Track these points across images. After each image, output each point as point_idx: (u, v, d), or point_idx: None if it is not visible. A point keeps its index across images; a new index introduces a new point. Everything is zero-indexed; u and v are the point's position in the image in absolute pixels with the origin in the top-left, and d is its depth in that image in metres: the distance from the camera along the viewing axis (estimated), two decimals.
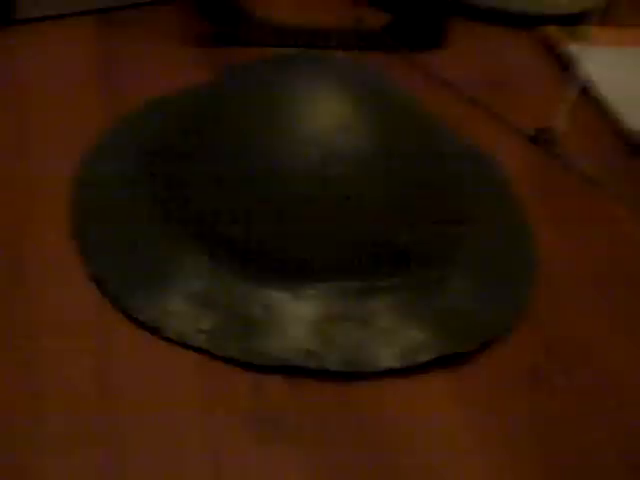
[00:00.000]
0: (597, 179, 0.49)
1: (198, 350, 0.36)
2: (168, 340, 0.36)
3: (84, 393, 0.34)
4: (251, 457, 0.33)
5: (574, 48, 0.60)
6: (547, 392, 0.37)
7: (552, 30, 0.62)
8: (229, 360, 0.36)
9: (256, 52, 0.56)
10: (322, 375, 0.36)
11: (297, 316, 0.38)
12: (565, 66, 0.60)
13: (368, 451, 0.34)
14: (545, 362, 0.38)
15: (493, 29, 0.63)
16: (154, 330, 0.37)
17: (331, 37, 0.58)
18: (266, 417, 0.34)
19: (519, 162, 0.50)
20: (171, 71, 0.53)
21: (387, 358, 0.37)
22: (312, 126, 0.39)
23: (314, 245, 0.38)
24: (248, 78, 0.43)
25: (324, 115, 0.40)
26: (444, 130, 0.51)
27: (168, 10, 0.59)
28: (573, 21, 0.64)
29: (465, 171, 0.47)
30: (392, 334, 0.38)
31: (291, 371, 0.36)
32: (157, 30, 0.57)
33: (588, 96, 0.57)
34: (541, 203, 0.47)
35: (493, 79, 0.57)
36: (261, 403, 0.35)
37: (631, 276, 0.44)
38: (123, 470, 0.31)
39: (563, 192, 0.49)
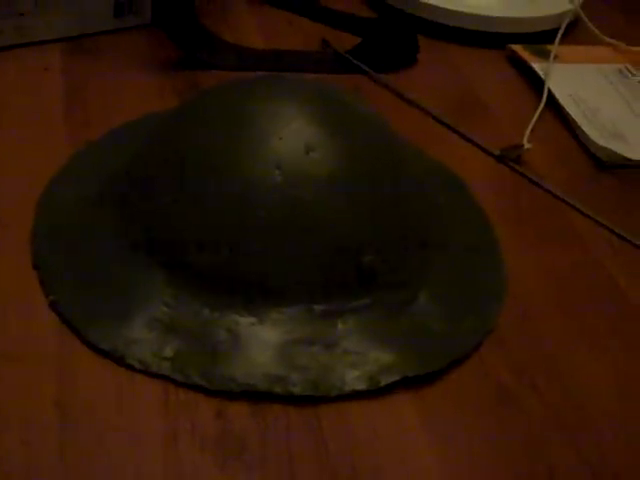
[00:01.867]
0: (563, 196, 0.50)
1: (162, 377, 0.36)
2: (131, 368, 0.36)
3: (45, 424, 0.33)
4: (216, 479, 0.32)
5: (540, 66, 0.60)
6: (515, 411, 0.37)
7: (518, 48, 0.62)
8: (193, 387, 0.36)
9: (223, 76, 0.56)
10: (287, 400, 0.36)
11: (262, 341, 0.37)
12: (531, 84, 0.60)
13: (333, 476, 0.33)
14: (513, 381, 0.38)
15: (460, 48, 0.63)
16: (117, 359, 0.36)
17: (298, 60, 0.58)
18: (230, 444, 0.34)
19: (487, 181, 0.50)
20: (138, 97, 0.53)
21: (353, 381, 0.37)
22: (276, 148, 0.39)
23: (279, 268, 0.38)
24: (211, 102, 0.43)
25: (288, 137, 0.40)
26: (412, 150, 0.52)
27: (136, 36, 0.59)
28: (539, 39, 0.64)
29: (433, 191, 0.47)
30: (358, 356, 0.38)
31: (256, 396, 0.36)
32: (125, 56, 0.57)
33: (554, 113, 0.57)
34: (509, 221, 0.48)
35: (460, 98, 0.58)
36: (225, 430, 0.34)
37: (595, 291, 0.44)
38: None
39: (531, 210, 0.49)
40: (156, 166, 0.41)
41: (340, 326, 0.38)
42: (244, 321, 0.38)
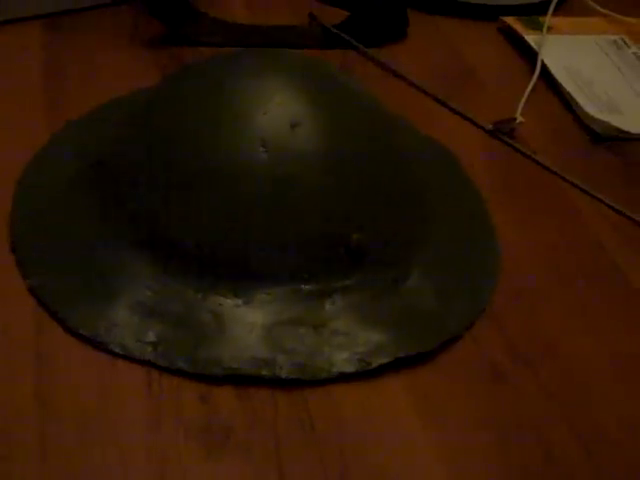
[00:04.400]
0: (558, 170, 0.48)
1: (145, 363, 0.35)
2: (113, 354, 0.35)
3: (25, 411, 0.32)
4: (198, 472, 0.31)
5: (533, 38, 0.59)
6: (509, 390, 0.36)
7: (511, 20, 0.61)
8: (177, 372, 0.35)
9: (208, 52, 0.55)
10: (274, 383, 0.35)
11: (248, 323, 0.36)
12: (524, 56, 0.59)
13: (321, 461, 0.32)
14: (507, 360, 0.37)
15: (450, 21, 0.62)
16: (98, 344, 0.35)
17: (284, 35, 0.57)
18: (215, 429, 0.33)
19: (479, 156, 0.49)
20: (121, 74, 0.51)
21: (342, 363, 0.36)
22: (260, 124, 0.38)
23: (264, 248, 0.37)
24: (193, 77, 0.41)
25: (273, 111, 0.38)
26: (402, 125, 0.50)
27: (118, 12, 0.58)
28: (532, 11, 0.63)
29: (424, 167, 0.46)
30: (347, 337, 0.36)
31: (241, 380, 0.35)
32: (107, 33, 0.55)
33: (548, 86, 0.56)
34: (502, 197, 0.46)
35: (451, 72, 0.56)
36: (209, 415, 0.33)
37: (592, 269, 0.43)
38: None
39: (524, 184, 0.47)
40: (137, 146, 0.40)
41: (328, 306, 0.37)
42: (229, 303, 0.37)
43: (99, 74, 0.51)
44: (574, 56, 0.58)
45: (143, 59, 0.53)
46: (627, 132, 0.51)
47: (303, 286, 0.37)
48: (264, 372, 0.35)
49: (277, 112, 0.38)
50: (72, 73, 0.51)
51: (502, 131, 0.50)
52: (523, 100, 0.53)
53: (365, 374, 0.36)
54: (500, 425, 0.34)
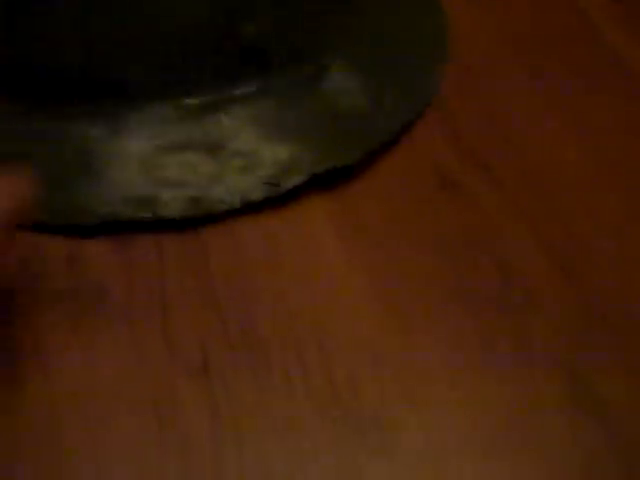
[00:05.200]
0: None
1: None
2: None
3: None
4: (63, 345, 0.24)
5: None
6: (459, 199, 0.28)
7: None
8: (36, 227, 0.27)
9: None
10: (159, 226, 0.27)
11: (121, 154, 0.28)
12: None
13: (223, 322, 0.25)
14: (457, 162, 0.30)
15: None
16: None
17: None
18: (85, 294, 0.26)
19: None
20: None
21: (245, 190, 0.28)
22: None
23: (132, 56, 0.28)
24: None
25: None
26: None
27: None
28: None
29: None
30: (250, 158, 0.29)
31: (118, 228, 0.27)
32: None
33: None
34: None
35: None
36: (79, 277, 0.26)
37: (554, 42, 0.34)
38: None
39: None
40: None
41: (225, 122, 0.29)
42: (96, 132, 0.28)
43: None
44: None
45: None
46: None
47: (189, 100, 0.29)
48: (143, 214, 0.27)
49: None
50: None
51: None
52: None
53: (275, 201, 0.28)
54: (448, 245, 0.27)
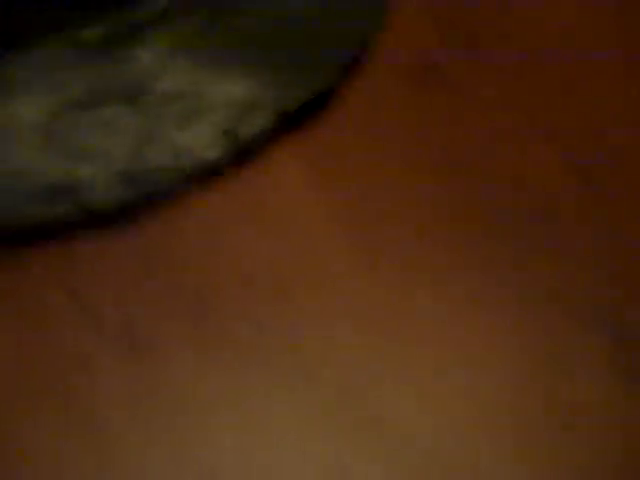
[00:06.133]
0: None
1: None
2: None
3: None
4: None
5: None
6: (443, 89, 0.22)
7: None
8: None
9: None
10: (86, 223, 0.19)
11: (9, 126, 0.20)
12: None
13: (188, 308, 0.18)
14: (440, 48, 0.22)
15: None
16: None
17: None
18: None
19: None
20: None
21: (193, 147, 0.20)
22: None
23: None
24: None
25: None
26: None
27: None
28: None
29: None
30: (187, 100, 0.21)
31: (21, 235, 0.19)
32: None
33: None
34: None
35: None
36: None
37: None
38: None
39: None
40: None
41: (144, 56, 0.21)
42: None
43: None
44: None
45: None
46: None
47: (86, 31, 0.21)
48: (60, 208, 0.19)
49: None
50: None
51: None
52: None
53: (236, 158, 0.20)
54: (426, 134, 0.20)
